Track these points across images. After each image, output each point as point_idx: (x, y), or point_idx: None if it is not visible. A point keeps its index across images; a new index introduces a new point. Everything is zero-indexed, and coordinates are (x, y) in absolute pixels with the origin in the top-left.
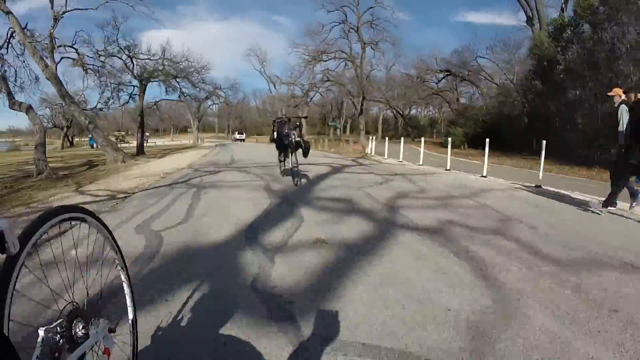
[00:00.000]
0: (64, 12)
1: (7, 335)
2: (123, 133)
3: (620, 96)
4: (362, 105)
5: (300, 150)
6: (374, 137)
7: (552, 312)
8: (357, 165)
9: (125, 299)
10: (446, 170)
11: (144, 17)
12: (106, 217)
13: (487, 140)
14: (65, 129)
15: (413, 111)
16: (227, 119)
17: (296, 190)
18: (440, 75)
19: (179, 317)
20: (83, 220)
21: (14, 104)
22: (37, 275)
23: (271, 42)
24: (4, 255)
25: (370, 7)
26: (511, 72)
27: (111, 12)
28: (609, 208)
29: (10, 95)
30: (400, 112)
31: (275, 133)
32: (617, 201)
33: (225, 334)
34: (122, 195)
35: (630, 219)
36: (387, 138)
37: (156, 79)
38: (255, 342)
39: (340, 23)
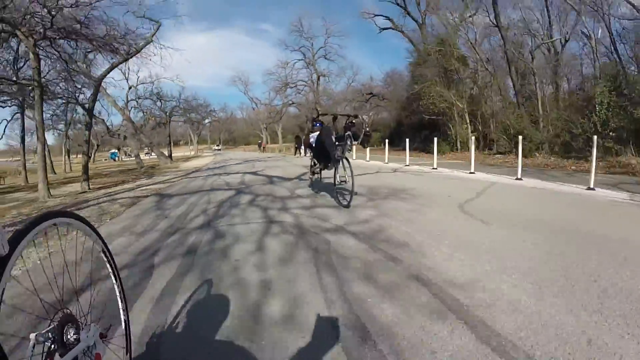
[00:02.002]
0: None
1: None
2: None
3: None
4: (317, 116)
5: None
6: None
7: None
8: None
9: (118, 304)
10: (367, 160)
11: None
12: (196, 177)
13: (387, 140)
14: (95, 147)
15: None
16: (218, 132)
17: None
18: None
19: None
20: (72, 224)
21: (112, 135)
22: (27, 278)
23: (257, 50)
24: None
25: (321, 47)
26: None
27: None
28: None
29: (108, 129)
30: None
31: (311, 139)
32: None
33: None
34: (191, 171)
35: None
36: None
37: (177, 114)
38: None
39: (300, 60)
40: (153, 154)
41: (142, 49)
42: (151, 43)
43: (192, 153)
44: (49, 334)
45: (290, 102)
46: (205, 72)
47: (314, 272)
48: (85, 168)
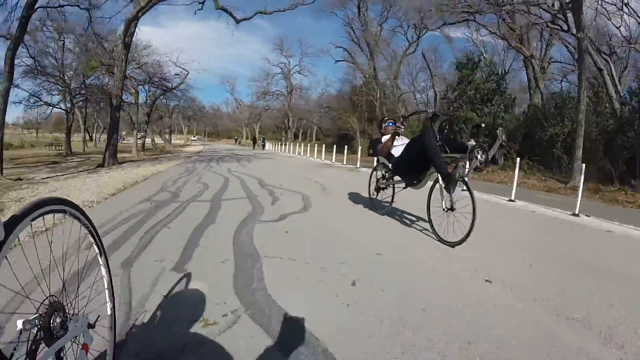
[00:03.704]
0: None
1: None
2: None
3: None
4: (288, 122)
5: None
6: (299, 142)
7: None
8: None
9: (105, 294)
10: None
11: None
12: (201, 157)
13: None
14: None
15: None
16: (204, 125)
17: None
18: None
19: None
20: (65, 212)
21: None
22: (19, 264)
23: (249, 46)
24: None
25: (296, 65)
26: None
27: None
28: None
29: (131, 119)
30: (318, 126)
31: (397, 144)
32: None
33: None
34: (196, 153)
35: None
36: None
37: (177, 112)
38: None
39: (279, 73)
40: (148, 138)
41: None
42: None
43: (183, 142)
44: (36, 321)
45: (267, 108)
46: (197, 62)
47: None
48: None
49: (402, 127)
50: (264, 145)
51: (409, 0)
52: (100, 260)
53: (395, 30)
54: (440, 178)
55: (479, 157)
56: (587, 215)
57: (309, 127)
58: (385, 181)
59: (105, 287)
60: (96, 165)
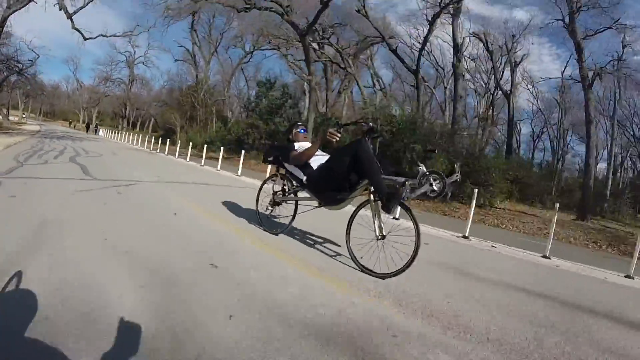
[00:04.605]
0: None
1: None
2: None
3: None
4: (125, 111)
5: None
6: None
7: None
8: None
9: None
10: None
11: None
12: (45, 135)
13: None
14: None
15: None
16: (41, 104)
17: None
18: None
19: None
20: None
21: None
22: None
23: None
24: None
25: (140, 56)
26: None
27: None
28: None
29: None
30: (155, 117)
31: (318, 157)
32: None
33: None
34: (38, 130)
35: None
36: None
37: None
38: None
39: (123, 61)
40: None
41: None
42: None
43: (18, 119)
44: None
45: (106, 95)
46: (39, 27)
47: None
48: None
49: (338, 135)
50: (97, 131)
51: (246, 20)
52: None
53: (234, 42)
54: (373, 198)
55: (434, 185)
56: None
57: (148, 117)
58: (287, 195)
59: None
60: None
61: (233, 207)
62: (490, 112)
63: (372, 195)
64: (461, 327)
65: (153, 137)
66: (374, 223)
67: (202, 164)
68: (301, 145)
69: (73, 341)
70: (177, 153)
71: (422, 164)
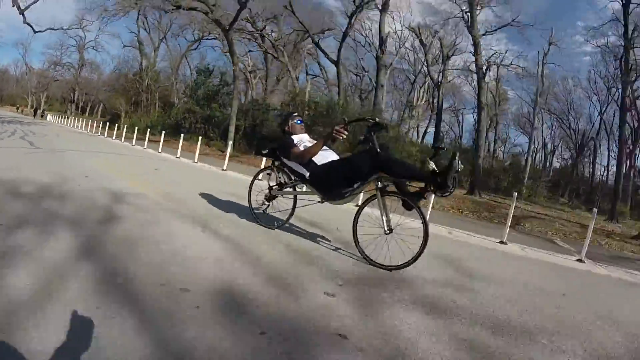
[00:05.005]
0: None
1: None
2: None
3: None
4: (74, 96)
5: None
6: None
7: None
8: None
9: None
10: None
11: None
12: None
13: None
14: None
15: None
16: None
17: None
18: None
19: None
20: None
21: None
22: None
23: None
24: None
25: (91, 40)
26: None
27: None
28: None
29: None
30: (104, 103)
31: (326, 154)
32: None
33: None
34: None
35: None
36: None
37: None
38: None
39: (74, 45)
40: None
41: None
42: None
43: None
44: None
45: (55, 79)
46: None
47: None
48: None
49: (345, 133)
50: (44, 116)
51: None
52: None
53: (179, 32)
54: (380, 194)
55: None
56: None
57: (97, 102)
58: (285, 190)
59: None
60: None
61: (137, 168)
62: (425, 101)
63: (378, 191)
64: None
65: (99, 122)
66: (382, 218)
67: (134, 143)
68: (300, 139)
69: None
70: (123, 137)
71: (431, 161)
